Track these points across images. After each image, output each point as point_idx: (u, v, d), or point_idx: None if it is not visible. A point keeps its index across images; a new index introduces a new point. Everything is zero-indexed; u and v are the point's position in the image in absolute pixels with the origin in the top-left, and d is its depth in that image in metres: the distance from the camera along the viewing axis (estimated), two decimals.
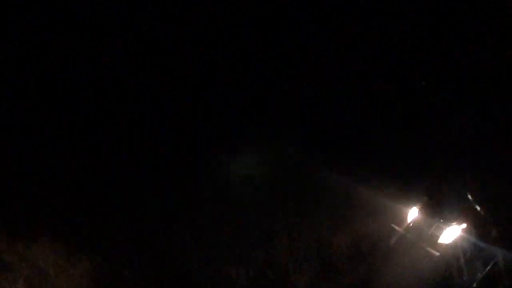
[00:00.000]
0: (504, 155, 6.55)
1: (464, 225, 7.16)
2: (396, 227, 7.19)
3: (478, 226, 7.01)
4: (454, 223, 7.11)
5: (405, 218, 7.20)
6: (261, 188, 7.18)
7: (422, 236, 7.08)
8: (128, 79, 7.28)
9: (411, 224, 7.16)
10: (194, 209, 6.94)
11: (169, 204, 6.91)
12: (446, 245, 7.08)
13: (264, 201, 7.15)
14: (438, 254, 7.07)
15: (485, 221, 6.85)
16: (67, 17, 6.98)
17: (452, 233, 7.08)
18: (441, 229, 7.06)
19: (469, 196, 6.76)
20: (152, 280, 6.67)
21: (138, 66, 7.30)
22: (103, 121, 7.19)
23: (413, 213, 7.21)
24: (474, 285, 6.83)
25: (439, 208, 7.13)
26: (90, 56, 7.16)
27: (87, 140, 7.04)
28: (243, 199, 7.11)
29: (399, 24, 6.97)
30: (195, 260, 6.86)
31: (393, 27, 7.01)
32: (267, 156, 7.12)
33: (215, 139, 7.31)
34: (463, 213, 7.12)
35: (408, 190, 7.28)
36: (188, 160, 7.13)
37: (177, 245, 6.85)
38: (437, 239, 7.09)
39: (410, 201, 7.20)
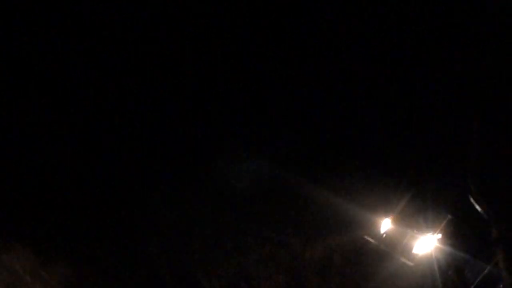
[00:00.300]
0: (504, 155, 6.43)
1: (439, 235, 7.05)
2: (369, 239, 7.15)
3: (457, 237, 6.87)
4: (428, 233, 7.02)
5: (378, 230, 7.17)
6: (234, 201, 7.41)
7: (396, 247, 7.01)
8: (128, 79, 7.33)
9: (384, 235, 7.11)
10: (165, 221, 7.25)
11: (140, 213, 7.19)
12: (421, 255, 6.98)
13: (237, 213, 7.34)
14: (412, 264, 6.97)
15: (486, 222, 6.68)
16: (67, 17, 6.95)
17: (426, 243, 6.99)
18: (415, 240, 6.99)
19: (470, 197, 6.65)
20: None
21: (138, 66, 7.33)
22: (97, 121, 7.21)
23: (386, 224, 7.16)
24: (473, 286, 6.66)
25: (412, 218, 7.05)
26: (90, 56, 7.21)
27: (74, 143, 7.09)
28: (215, 212, 7.37)
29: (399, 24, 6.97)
30: (167, 270, 7.13)
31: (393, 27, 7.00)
32: (237, 169, 7.38)
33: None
34: (438, 223, 7.02)
35: (381, 201, 7.28)
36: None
37: (149, 256, 7.16)
38: (411, 250, 7.01)
39: (383, 212, 7.18)
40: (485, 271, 6.54)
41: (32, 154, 7.04)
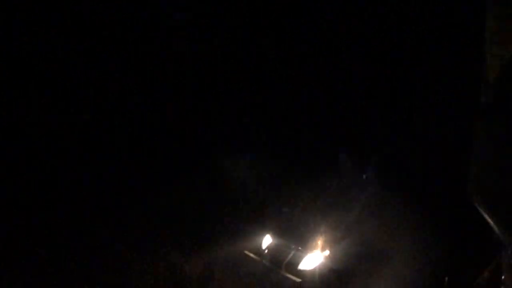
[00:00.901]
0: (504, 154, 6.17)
1: (327, 252, 6.35)
2: (250, 254, 6.59)
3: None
4: (314, 250, 6.39)
5: (260, 244, 6.61)
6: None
7: (280, 262, 6.40)
8: (128, 79, 7.58)
9: (266, 251, 6.56)
10: None
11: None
12: (308, 271, 6.26)
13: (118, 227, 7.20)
14: (299, 280, 6.26)
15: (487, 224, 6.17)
16: (67, 17, 7.41)
17: (313, 260, 6.32)
18: (300, 256, 6.37)
19: (473, 199, 6.24)
20: None
21: (138, 66, 7.59)
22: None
23: (267, 240, 6.63)
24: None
25: (292, 235, 6.52)
26: (90, 56, 7.46)
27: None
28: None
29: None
30: None
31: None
32: None
33: None
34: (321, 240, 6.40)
35: (264, 215, 7.07)
36: None
37: None
38: (297, 265, 6.35)
39: (265, 227, 6.81)
40: (485, 273, 5.72)
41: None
